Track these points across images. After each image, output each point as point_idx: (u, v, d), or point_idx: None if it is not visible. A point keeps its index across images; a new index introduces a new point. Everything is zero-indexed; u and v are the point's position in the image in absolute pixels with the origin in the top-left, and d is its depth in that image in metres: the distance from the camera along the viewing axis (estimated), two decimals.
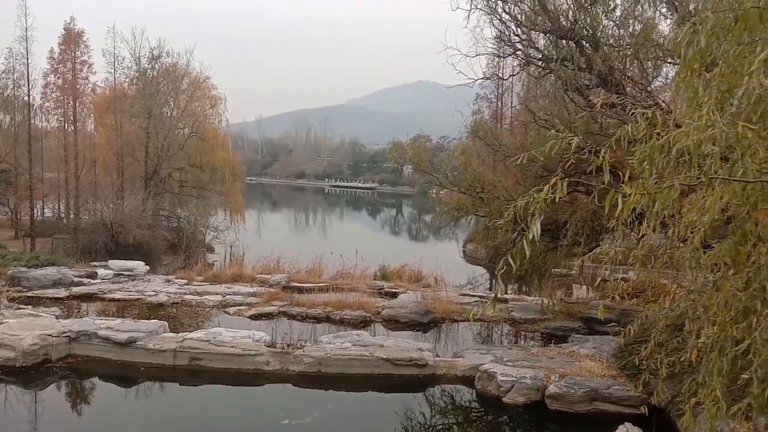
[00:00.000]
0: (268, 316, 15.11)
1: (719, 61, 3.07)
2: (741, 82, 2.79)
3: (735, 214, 3.13)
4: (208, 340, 11.36)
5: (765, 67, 2.64)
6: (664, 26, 13.29)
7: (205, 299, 16.18)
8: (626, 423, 8.28)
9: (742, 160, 2.95)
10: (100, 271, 19.05)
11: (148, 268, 20.15)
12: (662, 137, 3.22)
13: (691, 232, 3.32)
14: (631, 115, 3.75)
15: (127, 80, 36.78)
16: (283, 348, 11.75)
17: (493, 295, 3.13)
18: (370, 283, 18.67)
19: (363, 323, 14.81)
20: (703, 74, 3.22)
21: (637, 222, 3.91)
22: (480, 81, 17.53)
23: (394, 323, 15.03)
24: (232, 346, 11.18)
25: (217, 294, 16.74)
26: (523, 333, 15.08)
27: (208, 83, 36.57)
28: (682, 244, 4.04)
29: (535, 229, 2.91)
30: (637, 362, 5.10)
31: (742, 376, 2.98)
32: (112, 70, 35.71)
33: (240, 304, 15.85)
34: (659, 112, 3.44)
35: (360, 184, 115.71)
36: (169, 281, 18.54)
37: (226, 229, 32.38)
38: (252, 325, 13.90)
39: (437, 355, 11.70)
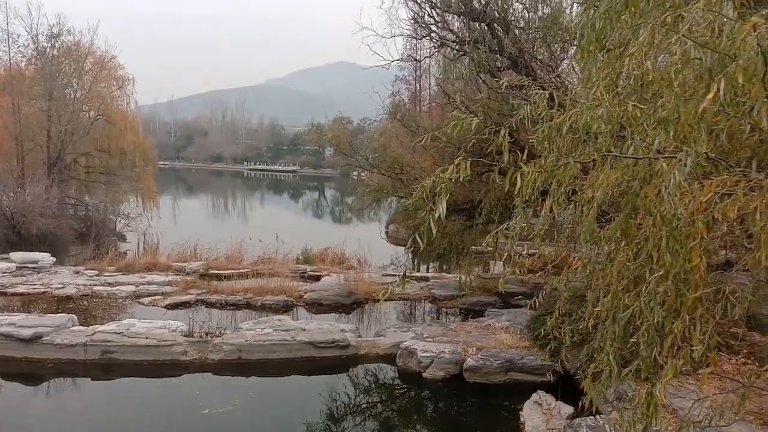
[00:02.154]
0: (185, 305, 14.68)
1: (607, 44, 3.23)
2: (624, 63, 2.96)
3: (626, 189, 3.33)
4: (120, 332, 10.90)
5: (646, 50, 2.81)
6: (572, 11, 13.88)
7: (117, 290, 15.50)
8: (539, 391, 8.71)
9: (632, 138, 3.13)
10: (1, 265, 17.77)
11: (54, 259, 18.98)
12: (560, 117, 3.36)
13: (588, 208, 3.51)
14: (534, 95, 3.88)
15: (24, 60, 34.10)
16: (201, 337, 11.46)
17: (402, 273, 3.17)
18: (293, 268, 18.53)
19: (285, 308, 14.72)
20: (596, 56, 3.38)
21: (541, 199, 4.07)
22: (398, 63, 17.68)
23: (317, 306, 15.03)
24: (146, 338, 10.79)
25: (130, 284, 16.06)
26: (444, 309, 15.50)
27: (114, 63, 34.48)
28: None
29: (441, 208, 2.97)
30: (542, 333, 5.37)
31: (631, 340, 3.21)
32: (6, 49, 32.99)
33: (155, 294, 15.30)
34: (556, 93, 3.58)
35: (281, 168, 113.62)
36: (77, 273, 17.58)
37: (138, 217, 30.94)
38: (168, 315, 13.48)
39: (360, 336, 11.82)
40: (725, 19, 2.52)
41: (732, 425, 6.41)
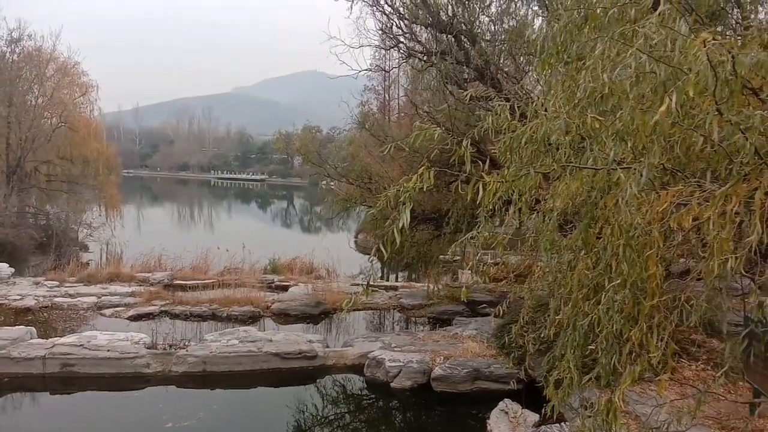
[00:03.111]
0: (148, 316, 14.38)
1: (566, 57, 3.30)
2: (581, 76, 3.03)
3: (586, 199, 3.39)
4: (81, 345, 10.60)
5: (602, 63, 2.88)
6: (537, 24, 14.14)
7: (79, 301, 15.08)
8: (506, 399, 8.77)
9: (591, 150, 3.20)
10: None
11: (12, 270, 18.37)
12: (521, 128, 3.41)
13: (549, 217, 3.57)
14: (497, 107, 3.93)
15: None
16: (164, 349, 11.24)
17: (366, 283, 3.16)
18: (260, 278, 18.33)
19: (252, 319, 14.54)
20: (557, 68, 3.45)
21: (505, 209, 4.12)
22: (368, 72, 17.71)
23: (284, 317, 14.88)
24: (108, 350, 10.51)
25: (91, 295, 15.65)
26: (413, 319, 15.52)
27: (77, 69, 33.75)
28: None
29: (405, 217, 2.97)
30: (507, 341, 5.41)
31: (590, 347, 3.26)
32: None
33: (117, 305, 14.95)
34: (518, 104, 3.64)
35: (248, 176, 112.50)
36: (37, 283, 17.06)
37: (101, 226, 30.19)
38: (131, 327, 13.18)
39: (327, 346, 11.74)
40: (678, 35, 2.60)
41: (691, 429, 6.57)
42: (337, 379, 11.06)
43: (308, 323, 14.63)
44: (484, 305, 14.28)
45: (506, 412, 8.38)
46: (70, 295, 15.64)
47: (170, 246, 21.14)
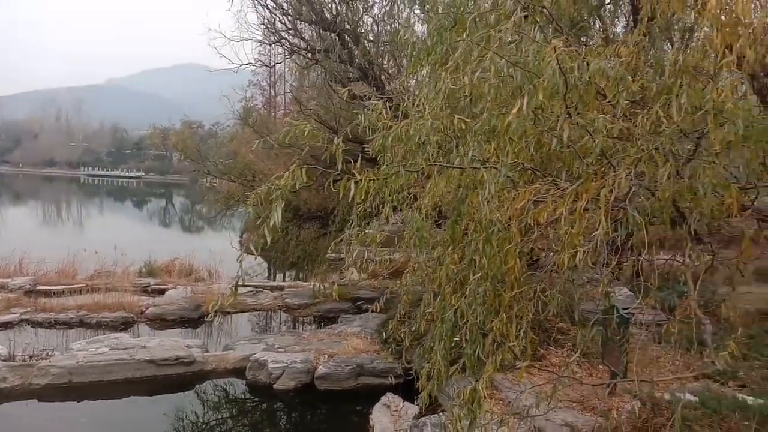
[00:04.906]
0: (6, 325, 13.05)
1: (433, 59, 3.41)
2: (442, 77, 3.16)
3: (454, 197, 3.53)
4: None
5: (462, 65, 3.01)
6: (419, 26, 14.54)
7: None
8: (388, 393, 8.94)
9: (457, 149, 3.33)
10: None
11: None
12: (395, 127, 3.48)
13: (419, 214, 3.68)
14: (371, 105, 3.98)
15: None
16: (24, 360, 10.26)
17: (234, 284, 3.07)
18: (134, 281, 17.24)
19: (125, 325, 13.68)
20: (426, 70, 3.56)
21: (380, 207, 4.19)
22: (252, 67, 17.27)
23: (160, 322, 14.15)
24: None
25: None
26: (300, 318, 15.38)
27: None
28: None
29: (277, 215, 2.92)
30: (385, 335, 5.52)
31: (455, 339, 3.41)
32: None
33: None
34: (391, 104, 3.71)
35: (123, 173, 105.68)
36: None
37: None
38: None
39: (207, 351, 11.33)
40: (532, 41, 2.78)
41: (557, 412, 7.07)
42: (218, 383, 10.70)
43: (187, 327, 14.01)
44: (362, 302, 14.46)
45: (388, 406, 8.53)
46: None
47: (33, 249, 19.34)
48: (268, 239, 2.95)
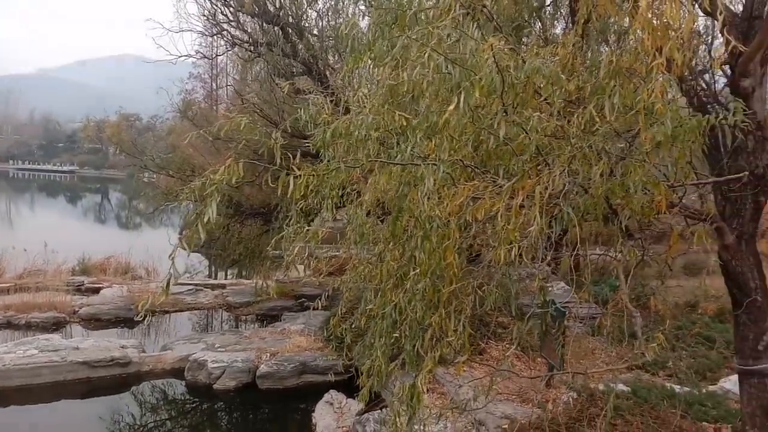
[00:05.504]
0: None
1: (374, 55, 3.39)
2: (380, 73, 3.14)
3: (396, 193, 3.52)
4: None
5: (401, 61, 3.01)
6: (364, 22, 14.46)
7: None
8: (331, 391, 8.90)
9: (398, 145, 3.32)
10: None
11: None
12: (335, 123, 3.44)
13: (360, 210, 3.66)
14: (312, 100, 3.93)
15: None
16: None
17: (166, 282, 2.97)
18: (67, 280, 16.53)
19: (56, 326, 13.12)
20: (367, 65, 3.53)
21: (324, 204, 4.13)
22: (192, 59, 16.79)
23: (95, 322, 13.63)
24: None
25: None
26: (242, 317, 15.12)
27: None
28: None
29: (211, 211, 2.83)
30: (327, 333, 5.48)
31: (395, 335, 3.42)
32: None
33: None
34: (331, 99, 3.67)
35: (56, 167, 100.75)
36: None
37: None
38: None
39: (144, 351, 10.98)
40: (470, 38, 2.80)
41: (498, 405, 7.22)
42: (156, 385, 10.41)
43: (123, 327, 13.55)
44: (303, 299, 14.36)
45: (331, 404, 8.50)
46: None
47: None
48: (202, 236, 2.86)
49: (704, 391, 7.24)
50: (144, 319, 3.29)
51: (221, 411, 10.01)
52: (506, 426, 6.47)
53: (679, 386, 7.47)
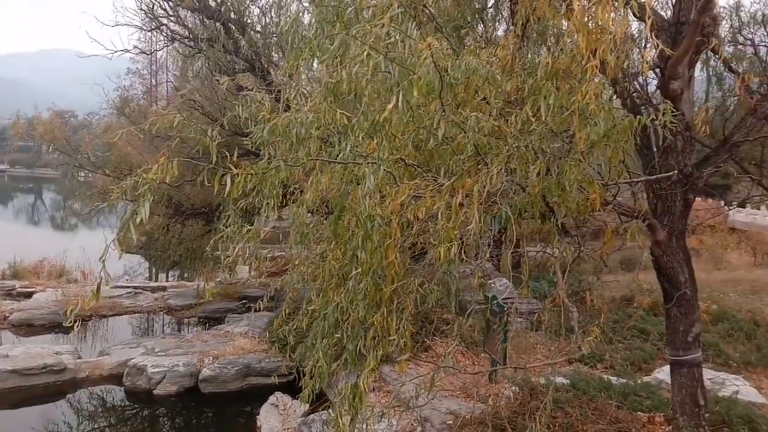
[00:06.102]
0: None
1: (316, 52, 3.34)
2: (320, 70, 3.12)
3: (338, 192, 3.49)
4: None
5: (338, 59, 2.98)
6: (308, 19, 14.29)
7: None
8: (277, 393, 8.78)
9: (339, 144, 3.29)
10: None
11: None
12: (274, 120, 3.38)
13: (300, 210, 3.61)
14: (250, 97, 3.85)
15: None
16: None
17: (97, 284, 2.84)
18: None
19: None
20: (308, 62, 3.49)
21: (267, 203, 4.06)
22: (132, 55, 16.22)
23: (27, 328, 13.00)
24: None
25: None
26: (184, 320, 14.72)
27: None
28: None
29: (144, 211, 2.73)
30: (269, 335, 5.40)
31: (335, 335, 3.40)
32: None
33: None
34: (276, 96, 3.61)
35: None
36: None
37: None
38: None
39: (80, 357, 10.55)
40: (408, 38, 2.80)
41: (442, 401, 7.29)
42: (94, 391, 10.02)
43: (57, 333, 12.95)
44: (248, 301, 14.11)
45: (276, 406, 8.39)
46: None
47: None
48: (135, 237, 2.76)
49: (639, 381, 7.54)
50: (74, 325, 3.12)
51: (163, 417, 9.72)
52: (451, 421, 6.54)
53: (615, 378, 7.74)
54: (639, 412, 6.57)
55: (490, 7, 12.92)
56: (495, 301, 7.55)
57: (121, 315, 14.46)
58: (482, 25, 12.77)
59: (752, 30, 14.31)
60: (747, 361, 8.95)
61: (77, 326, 2.83)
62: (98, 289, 2.71)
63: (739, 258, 21.29)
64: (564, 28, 4.56)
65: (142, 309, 14.77)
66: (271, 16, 13.59)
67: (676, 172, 5.31)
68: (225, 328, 11.94)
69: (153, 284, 17.58)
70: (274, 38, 12.97)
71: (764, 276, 16.41)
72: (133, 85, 36.80)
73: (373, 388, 8.12)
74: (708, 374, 6.90)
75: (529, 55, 5.21)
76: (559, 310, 4.11)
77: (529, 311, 9.71)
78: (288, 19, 3.49)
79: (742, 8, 14.32)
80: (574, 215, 3.93)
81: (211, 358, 9.91)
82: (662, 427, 6.32)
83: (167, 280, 20.08)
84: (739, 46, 14.05)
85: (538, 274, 10.50)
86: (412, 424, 6.84)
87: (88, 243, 22.26)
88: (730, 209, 23.27)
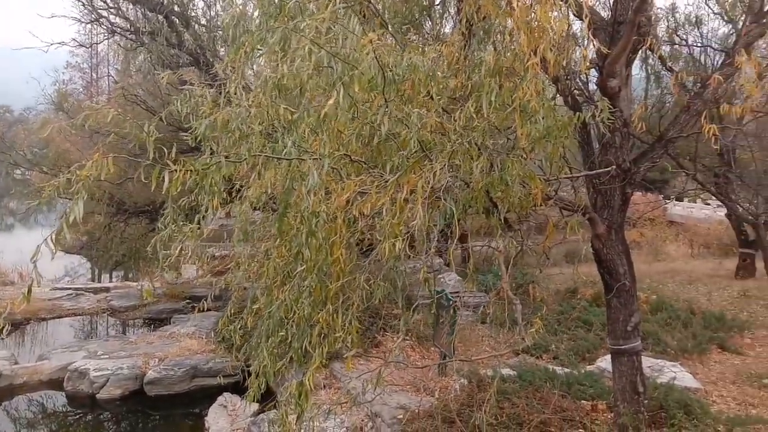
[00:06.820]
0: None
1: (258, 46, 3.29)
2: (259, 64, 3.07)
3: (282, 188, 3.44)
4: None
5: (279, 54, 2.94)
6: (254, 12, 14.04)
7: None
8: (225, 393, 8.62)
9: (282, 139, 3.24)
10: None
11: None
12: (213, 115, 3.31)
13: (243, 207, 3.55)
14: (191, 92, 3.76)
15: None
16: None
17: (28, 286, 2.72)
18: None
19: None
20: (251, 57, 3.43)
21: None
22: (71, 48, 15.55)
23: None
24: None
25: None
26: (128, 321, 14.27)
27: None
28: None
29: (78, 209, 2.62)
30: (215, 334, 5.29)
31: (280, 333, 3.36)
32: None
33: None
34: (217, 91, 3.54)
35: None
36: None
37: None
38: None
39: (16, 362, 10.10)
40: (349, 33, 2.79)
41: (393, 395, 7.33)
42: (33, 398, 9.62)
43: None
44: (191, 301, 13.82)
45: (225, 406, 8.25)
46: None
47: None
48: (68, 236, 2.65)
49: (583, 371, 7.77)
50: (2, 330, 2.96)
51: (107, 421, 9.42)
52: (401, 416, 6.58)
53: (560, 368, 7.96)
54: (582, 401, 6.78)
55: (438, 4, 13.02)
56: (441, 294, 7.64)
57: (62, 318, 13.90)
58: (430, 22, 12.85)
59: (687, 30, 14.97)
60: (684, 348, 9.34)
61: (6, 330, 2.69)
62: (29, 290, 2.59)
63: (677, 250, 22.23)
64: (508, 26, 4.64)
65: (84, 311, 14.25)
66: (217, 10, 13.32)
67: (614, 167, 5.49)
68: (171, 329, 11.64)
69: (95, 285, 16.99)
70: (220, 32, 12.71)
71: (700, 267, 17.20)
72: (72, 80, 35.42)
73: (324, 386, 8.09)
74: (647, 362, 7.17)
75: (476, 53, 5.28)
76: (504, 302, 4.18)
77: (476, 304, 9.88)
78: (232, 12, 3.43)
79: (677, 10, 14.93)
80: (517, 210, 4.00)
81: (156, 360, 9.65)
82: (604, 414, 6.54)
83: (111, 281, 19.44)
84: (675, 46, 14.67)
85: (485, 267, 10.70)
86: (362, 420, 6.86)
87: (26, 243, 21.33)
88: (667, 203, 24.29)
